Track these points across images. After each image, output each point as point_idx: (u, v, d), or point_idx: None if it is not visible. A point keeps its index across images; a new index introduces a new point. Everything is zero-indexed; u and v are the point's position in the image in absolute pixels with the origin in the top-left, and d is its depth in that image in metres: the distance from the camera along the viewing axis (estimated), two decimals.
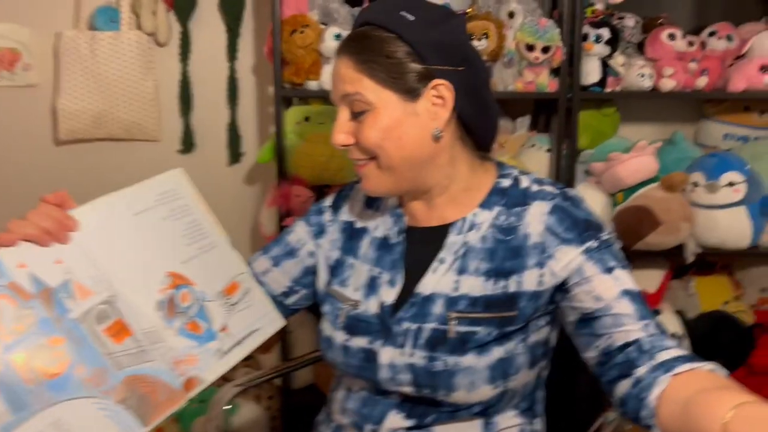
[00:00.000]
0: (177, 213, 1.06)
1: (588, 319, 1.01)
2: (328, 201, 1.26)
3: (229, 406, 1.41)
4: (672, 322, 2.08)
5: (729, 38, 2.06)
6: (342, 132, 1.05)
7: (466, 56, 1.04)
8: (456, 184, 1.09)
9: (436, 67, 1.01)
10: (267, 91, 2.25)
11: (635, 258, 2.12)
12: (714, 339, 2.10)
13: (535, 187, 1.10)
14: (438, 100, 1.02)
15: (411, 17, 1.01)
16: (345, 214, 1.22)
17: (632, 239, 1.97)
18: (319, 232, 1.23)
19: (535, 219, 1.06)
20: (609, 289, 0.99)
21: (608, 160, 1.98)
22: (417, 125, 1.03)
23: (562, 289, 1.04)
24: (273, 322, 1.14)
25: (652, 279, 2.15)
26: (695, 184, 1.99)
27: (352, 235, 1.19)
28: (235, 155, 2.26)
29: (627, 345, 0.96)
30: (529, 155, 2.05)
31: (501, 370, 1.03)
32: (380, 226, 1.17)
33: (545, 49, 1.85)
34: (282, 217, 1.95)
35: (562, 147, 1.97)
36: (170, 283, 1.02)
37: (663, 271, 2.16)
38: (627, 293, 0.99)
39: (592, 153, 2.10)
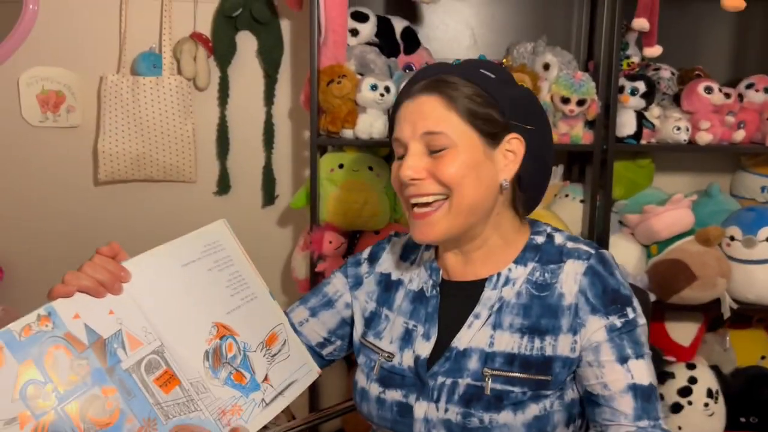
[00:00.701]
0: (221, 264, 1.08)
1: (592, 400, 1.04)
2: (365, 253, 1.28)
3: None
4: (707, 378, 2.04)
5: (766, 90, 2.04)
6: (415, 165, 1.05)
7: (537, 117, 1.10)
8: (496, 239, 1.11)
9: (513, 122, 1.06)
10: (302, 136, 2.29)
11: (669, 310, 2.10)
12: (751, 396, 2.05)
13: (570, 245, 1.11)
14: (510, 153, 1.07)
15: (491, 75, 1.07)
16: (381, 267, 1.24)
17: (667, 293, 1.95)
18: (356, 283, 1.24)
19: (570, 278, 1.06)
20: (618, 381, 1.01)
21: (643, 212, 1.98)
22: (491, 171, 1.06)
23: (578, 360, 1.05)
24: (310, 373, 1.15)
25: (686, 332, 2.13)
26: (732, 238, 1.97)
27: (387, 287, 1.20)
28: (269, 198, 2.30)
29: None
30: (563, 205, 2.05)
31: (537, 428, 1.03)
32: (415, 279, 1.18)
33: (580, 102, 1.85)
34: (314, 262, 1.97)
35: (597, 197, 1.97)
36: (216, 333, 1.03)
37: (697, 324, 2.13)
38: (633, 388, 1.01)
39: (627, 204, 2.09)
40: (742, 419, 2.06)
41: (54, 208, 2.30)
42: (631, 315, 1.04)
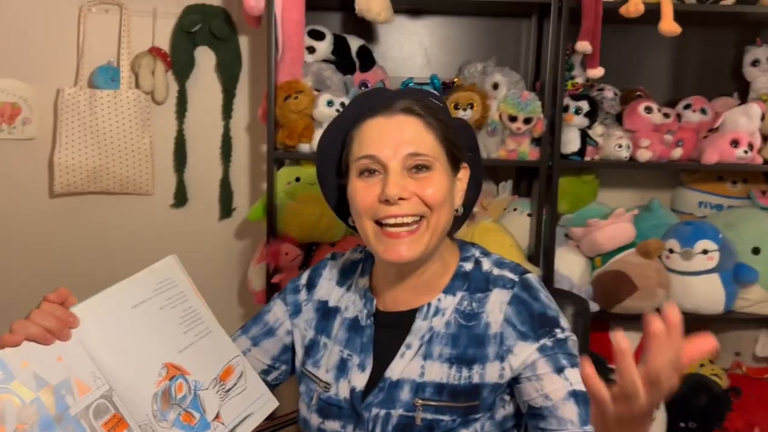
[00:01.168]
0: (174, 300, 1.08)
1: (536, 414, 1.06)
2: (303, 279, 1.28)
3: None
4: None
5: (703, 111, 2.16)
6: (401, 184, 1.05)
7: (475, 144, 1.17)
8: (437, 265, 1.14)
9: (464, 152, 1.13)
10: (260, 149, 2.33)
11: (613, 320, 2.19)
12: (690, 402, 2.15)
13: (496, 272, 1.13)
14: (459, 181, 1.13)
15: (440, 103, 1.12)
16: (318, 293, 1.24)
17: (610, 303, 2.04)
18: (295, 311, 1.25)
19: (496, 307, 1.09)
20: (558, 390, 1.04)
21: (587, 226, 2.06)
22: (453, 196, 1.11)
23: (515, 379, 1.07)
24: (267, 403, 1.13)
25: (629, 341, 2.20)
26: (671, 251, 2.07)
27: (325, 315, 1.21)
28: (226, 210, 2.33)
29: None
30: (511, 219, 2.12)
31: None
32: (351, 306, 1.20)
33: (527, 120, 1.93)
34: (270, 274, 2.00)
35: (543, 211, 2.05)
36: (166, 374, 1.02)
37: (640, 333, 2.22)
38: (574, 395, 1.04)
39: (572, 218, 2.17)
40: (682, 424, 2.14)
41: (9, 220, 2.29)
42: (560, 335, 1.07)
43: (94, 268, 2.32)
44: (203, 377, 1.06)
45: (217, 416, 1.05)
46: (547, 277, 2.03)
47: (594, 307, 2.04)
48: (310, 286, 1.26)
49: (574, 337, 1.10)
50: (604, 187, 2.30)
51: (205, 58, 2.26)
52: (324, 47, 2.04)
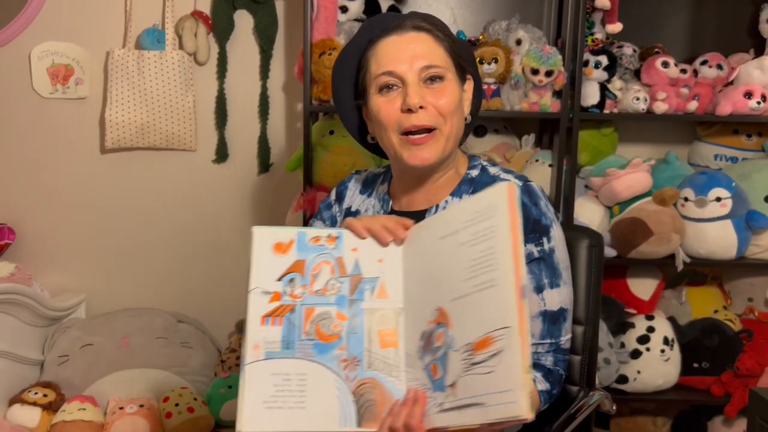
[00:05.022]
0: (478, 237, 0.98)
1: None
2: (332, 195, 1.41)
3: None
4: (664, 327, 2.24)
5: (719, 67, 2.25)
6: (420, 94, 1.15)
7: (474, 60, 1.29)
8: (451, 169, 1.25)
9: (468, 65, 1.24)
10: (295, 108, 2.47)
11: (630, 266, 2.30)
12: (703, 344, 2.26)
13: (502, 175, 1.24)
14: (466, 92, 1.24)
15: (446, 26, 1.24)
16: (346, 203, 1.37)
17: (626, 248, 2.15)
18: (333, 224, 1.37)
19: None
20: (532, 307, 1.13)
21: (606, 176, 2.17)
22: (462, 105, 1.22)
23: None
24: (508, 406, 0.88)
25: (645, 287, 2.32)
26: (686, 199, 2.17)
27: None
28: (264, 165, 2.48)
29: None
30: (533, 169, 2.24)
31: None
32: (370, 209, 1.33)
33: (548, 73, 2.04)
34: (307, 221, 2.15)
35: (564, 163, 2.16)
36: (435, 318, 1.01)
37: (656, 280, 2.33)
38: (543, 314, 1.16)
39: (592, 169, 2.28)
40: (695, 365, 2.26)
41: (63, 174, 2.47)
42: (546, 245, 1.15)
43: (142, 218, 2.50)
44: (459, 337, 0.97)
45: (453, 384, 0.96)
46: (567, 225, 2.15)
47: (611, 252, 2.16)
48: (340, 198, 1.39)
49: (563, 251, 1.19)
50: (622, 141, 2.40)
51: (243, 20, 2.40)
52: (356, 6, 2.17)
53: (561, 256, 1.19)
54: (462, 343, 0.95)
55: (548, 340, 1.17)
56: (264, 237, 1.08)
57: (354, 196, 1.37)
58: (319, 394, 1.00)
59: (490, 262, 0.94)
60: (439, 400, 0.97)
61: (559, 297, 1.18)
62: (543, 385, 1.16)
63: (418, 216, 1.23)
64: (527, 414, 0.86)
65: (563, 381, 1.22)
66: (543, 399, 1.17)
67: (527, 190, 1.18)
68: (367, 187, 1.37)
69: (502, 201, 0.95)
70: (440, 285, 1.00)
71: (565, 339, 1.20)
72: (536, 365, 1.17)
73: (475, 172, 1.27)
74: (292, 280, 1.05)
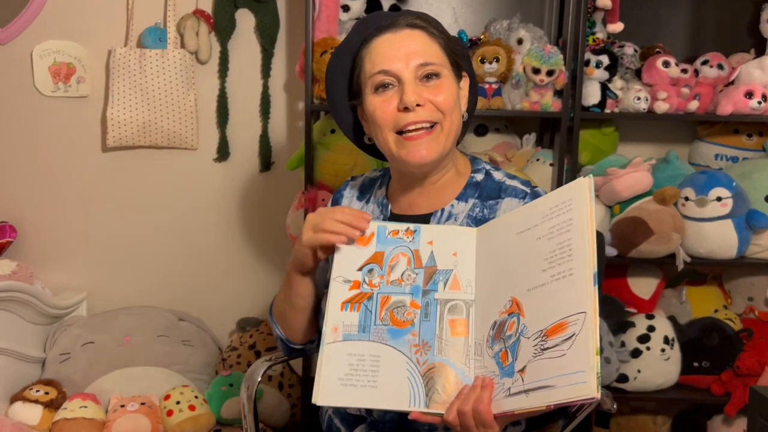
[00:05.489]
0: (555, 230, 1.02)
1: None
2: (329, 204, 1.39)
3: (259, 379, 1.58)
4: (665, 326, 2.24)
5: (720, 66, 2.25)
6: (417, 92, 1.14)
7: (468, 56, 1.27)
8: (452, 170, 1.24)
9: (464, 62, 1.23)
10: (296, 107, 2.47)
11: (631, 266, 2.31)
12: (703, 343, 2.26)
13: (508, 182, 1.23)
14: (462, 89, 1.23)
15: (440, 24, 1.23)
16: None
17: (627, 247, 2.15)
18: None
19: None
20: None
21: (606, 175, 2.18)
22: (460, 102, 1.21)
23: None
24: (578, 387, 0.91)
25: (646, 287, 2.33)
26: (686, 199, 2.17)
27: None
28: (265, 164, 2.48)
29: None
30: (534, 168, 2.24)
31: None
32: (369, 214, 1.30)
33: (550, 73, 2.05)
34: None
35: (564, 162, 2.16)
36: (509, 308, 1.04)
37: (657, 279, 2.34)
38: None
39: (592, 168, 2.29)
40: (695, 364, 2.27)
41: (64, 172, 2.47)
42: None
43: (143, 216, 2.51)
44: (532, 325, 1.00)
45: (522, 369, 0.99)
46: None
47: (611, 251, 2.17)
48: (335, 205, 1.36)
49: None
50: (623, 140, 2.40)
51: (245, 19, 2.40)
52: (358, 6, 2.17)
53: None
54: (534, 330, 0.99)
55: None
56: None
57: (351, 205, 1.35)
58: (391, 374, 1.06)
59: (565, 253, 0.99)
60: (507, 385, 1.00)
61: None
62: None
63: (422, 220, 1.23)
64: (596, 393, 0.89)
65: None
66: None
67: (535, 197, 1.19)
68: (364, 192, 1.36)
69: (582, 195, 1.00)
70: (515, 277, 1.05)
71: None
72: None
73: (479, 176, 1.25)
74: (371, 271, 1.13)
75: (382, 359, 1.07)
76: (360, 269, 1.13)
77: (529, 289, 1.02)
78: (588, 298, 0.94)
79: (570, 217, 1.00)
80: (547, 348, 0.96)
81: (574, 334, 0.94)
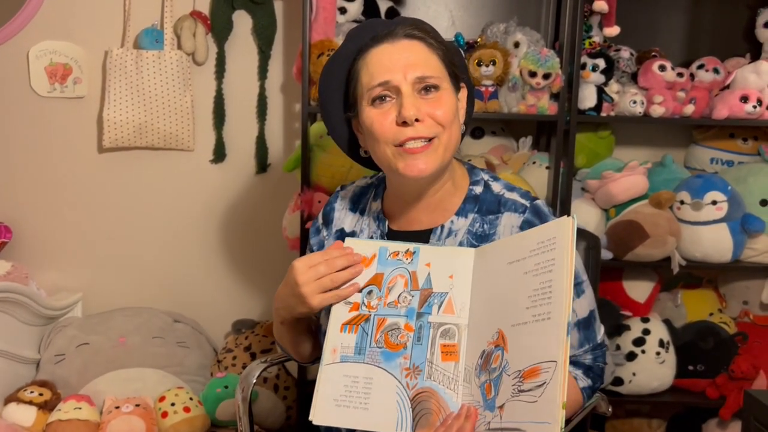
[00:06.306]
0: (540, 268, 1.02)
1: None
2: (319, 219, 1.35)
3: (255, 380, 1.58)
4: (660, 330, 2.25)
5: (716, 71, 2.26)
6: (416, 105, 1.10)
7: (465, 66, 1.26)
8: (449, 184, 1.21)
9: (462, 73, 1.21)
10: (293, 108, 2.47)
11: (626, 269, 2.31)
12: (699, 346, 2.27)
13: (507, 195, 1.20)
14: (460, 101, 1.20)
15: (437, 32, 1.20)
16: (336, 225, 1.31)
17: (623, 250, 2.16)
18: (321, 249, 1.31)
19: (507, 230, 1.17)
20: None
21: (602, 178, 2.18)
22: (459, 114, 1.18)
23: None
24: None
25: (641, 290, 2.34)
26: (682, 202, 2.18)
27: (344, 240, 1.24)
28: (262, 165, 2.48)
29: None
30: (530, 171, 2.25)
31: None
32: (365, 229, 1.27)
33: (546, 76, 2.05)
34: (304, 221, 2.15)
35: (560, 165, 2.17)
36: (495, 340, 1.05)
37: (652, 283, 2.34)
38: (578, 323, 1.18)
39: (588, 172, 2.29)
40: (690, 367, 2.27)
41: (60, 173, 2.47)
42: None
43: (139, 217, 2.50)
44: (513, 363, 1.01)
45: (501, 406, 1.00)
46: None
47: (607, 255, 2.17)
48: (327, 222, 1.33)
49: (579, 261, 1.19)
50: (619, 144, 2.41)
51: (242, 21, 2.40)
52: (355, 8, 2.18)
53: (578, 265, 1.18)
54: (514, 368, 1.00)
55: (586, 346, 1.19)
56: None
57: (344, 217, 1.31)
58: (381, 397, 1.08)
59: (546, 295, 0.99)
60: (488, 419, 1.02)
61: (586, 302, 1.20)
62: (584, 382, 1.20)
63: (420, 237, 1.21)
64: None
65: (604, 371, 1.24)
66: (586, 395, 1.20)
67: (535, 211, 1.18)
68: (357, 203, 1.32)
69: (565, 237, 1.00)
70: (503, 308, 1.05)
71: (600, 336, 1.22)
72: (575, 363, 1.19)
73: (478, 189, 1.23)
74: (370, 292, 1.14)
75: (374, 382, 1.09)
76: (360, 291, 1.15)
77: (514, 325, 1.03)
78: (560, 347, 0.94)
79: (553, 257, 1.00)
80: (523, 391, 0.98)
81: (545, 382, 0.95)
